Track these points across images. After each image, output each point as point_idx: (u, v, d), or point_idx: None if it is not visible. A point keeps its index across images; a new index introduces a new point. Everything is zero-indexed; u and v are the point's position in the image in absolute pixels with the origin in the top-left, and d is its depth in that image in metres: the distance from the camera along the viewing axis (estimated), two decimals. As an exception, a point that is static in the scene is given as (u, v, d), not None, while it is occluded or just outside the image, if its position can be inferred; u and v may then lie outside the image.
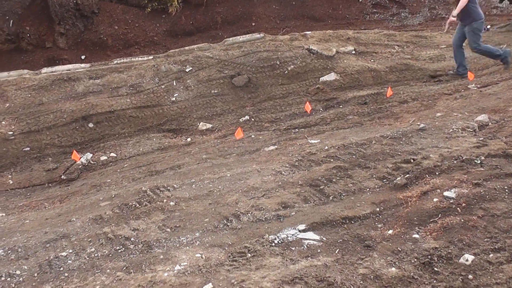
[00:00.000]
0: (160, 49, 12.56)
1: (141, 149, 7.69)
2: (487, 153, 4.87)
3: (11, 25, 12.16)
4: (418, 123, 6.26)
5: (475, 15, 8.78)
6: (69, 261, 4.14)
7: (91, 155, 7.65)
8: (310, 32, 11.25)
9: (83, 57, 12.27)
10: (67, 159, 7.66)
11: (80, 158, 7.45)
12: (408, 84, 9.10)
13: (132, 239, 4.37)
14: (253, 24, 13.80)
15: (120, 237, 4.43)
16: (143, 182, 6.00)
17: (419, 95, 8.18)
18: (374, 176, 4.97)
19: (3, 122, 8.30)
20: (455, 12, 8.69)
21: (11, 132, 8.10)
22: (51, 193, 6.61)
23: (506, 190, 4.09)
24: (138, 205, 5.13)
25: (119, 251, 4.21)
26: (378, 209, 4.33)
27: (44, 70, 9.88)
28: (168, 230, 4.48)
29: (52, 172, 7.36)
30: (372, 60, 10.01)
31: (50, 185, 7.09)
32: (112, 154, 7.64)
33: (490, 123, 5.86)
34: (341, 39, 10.81)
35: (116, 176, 6.62)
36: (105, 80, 9.33)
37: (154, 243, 4.26)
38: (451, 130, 5.79)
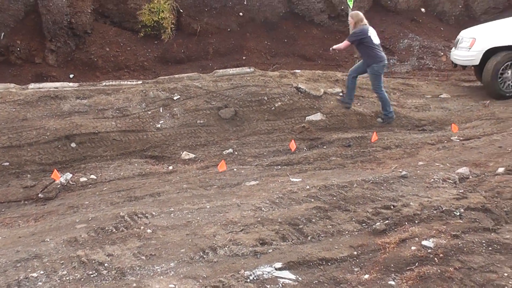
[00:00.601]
0: (149, 75, 12.59)
1: (122, 174, 7.63)
2: (467, 205, 4.92)
3: (1, 37, 12.13)
4: (400, 170, 6.31)
5: (375, 58, 9.24)
6: (39, 283, 4.06)
7: (71, 175, 7.56)
8: (299, 70, 11.37)
9: (71, 75, 12.24)
10: (46, 177, 7.56)
11: (60, 177, 7.37)
12: (392, 130, 9.18)
13: (105, 264, 4.31)
14: (244, 57, 13.91)
15: (93, 261, 4.36)
16: (122, 207, 5.94)
17: (403, 142, 8.26)
18: (353, 219, 4.98)
19: (-15, 135, 8.21)
20: (335, 46, 9.48)
21: (-8, 145, 8.02)
22: (27, 211, 6.51)
23: (484, 244, 4.12)
24: (114, 230, 5.07)
25: (92, 276, 4.14)
26: (355, 252, 4.33)
27: (32, 85, 9.83)
28: (143, 258, 4.43)
29: (29, 189, 7.25)
30: (358, 104, 10.11)
31: (26, 202, 6.98)
32: (92, 176, 7.56)
33: (470, 176, 5.93)
34: (329, 80, 10.93)
35: (94, 199, 6.55)
36: (92, 101, 9.30)
37: (128, 270, 4.21)
38: (432, 180, 5.85)
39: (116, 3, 13.53)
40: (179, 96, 9.60)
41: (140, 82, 10.33)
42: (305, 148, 8.45)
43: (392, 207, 5.13)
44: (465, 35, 11.32)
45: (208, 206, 5.67)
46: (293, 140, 8.41)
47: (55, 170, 7.44)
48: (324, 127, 9.33)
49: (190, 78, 10.44)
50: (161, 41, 13.50)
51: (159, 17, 13.25)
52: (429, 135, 8.67)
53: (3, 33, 12.12)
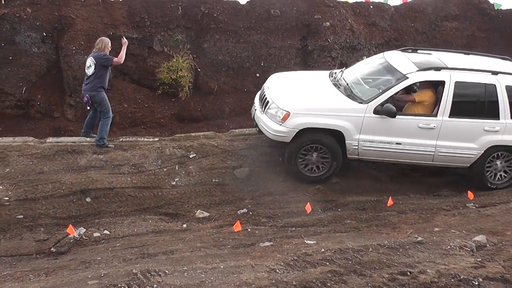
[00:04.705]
0: (165, 132, 12.69)
1: (135, 230, 7.59)
2: (485, 275, 4.84)
3: (23, 92, 12.37)
4: (416, 236, 6.25)
5: None
6: None
7: (85, 230, 7.54)
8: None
9: (89, 131, 12.39)
10: (59, 231, 7.54)
11: (75, 232, 7.34)
12: (407, 195, 9.14)
13: (117, 323, 4.24)
14: (259, 118, 14.03)
15: (105, 319, 4.30)
16: (134, 264, 5.89)
17: (418, 207, 8.21)
18: (369, 284, 4.90)
19: (0, 187, 8.26)
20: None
21: (7, 198, 8.05)
22: (38, 265, 6.47)
23: (505, 317, 4.03)
24: (127, 287, 5.01)
25: (103, 334, 4.07)
26: (372, 320, 4.24)
27: (50, 139, 9.96)
28: (156, 318, 4.36)
29: (42, 243, 7.24)
30: (373, 168, 10.10)
31: (38, 256, 6.95)
32: (106, 232, 7.53)
33: (488, 245, 5.86)
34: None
35: (107, 255, 6.50)
36: (108, 156, 9.38)
37: (140, 330, 4.13)
38: (448, 246, 5.78)
39: (135, 61, 13.78)
40: (195, 154, 9.66)
41: (156, 139, 10.43)
42: (319, 210, 8.41)
43: (408, 273, 5.05)
44: (277, 101, 9.23)
45: (222, 266, 5.61)
46: (308, 203, 8.36)
47: (71, 225, 7.41)
48: (339, 189, 9.29)
49: (206, 136, 10.53)
50: (178, 98, 13.66)
51: (177, 75, 13.44)
52: (444, 201, 8.62)
53: (24, 88, 12.36)
